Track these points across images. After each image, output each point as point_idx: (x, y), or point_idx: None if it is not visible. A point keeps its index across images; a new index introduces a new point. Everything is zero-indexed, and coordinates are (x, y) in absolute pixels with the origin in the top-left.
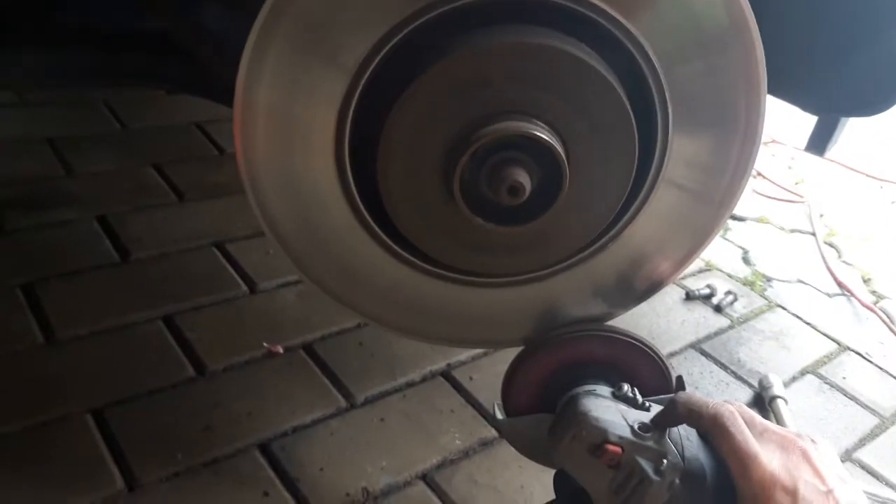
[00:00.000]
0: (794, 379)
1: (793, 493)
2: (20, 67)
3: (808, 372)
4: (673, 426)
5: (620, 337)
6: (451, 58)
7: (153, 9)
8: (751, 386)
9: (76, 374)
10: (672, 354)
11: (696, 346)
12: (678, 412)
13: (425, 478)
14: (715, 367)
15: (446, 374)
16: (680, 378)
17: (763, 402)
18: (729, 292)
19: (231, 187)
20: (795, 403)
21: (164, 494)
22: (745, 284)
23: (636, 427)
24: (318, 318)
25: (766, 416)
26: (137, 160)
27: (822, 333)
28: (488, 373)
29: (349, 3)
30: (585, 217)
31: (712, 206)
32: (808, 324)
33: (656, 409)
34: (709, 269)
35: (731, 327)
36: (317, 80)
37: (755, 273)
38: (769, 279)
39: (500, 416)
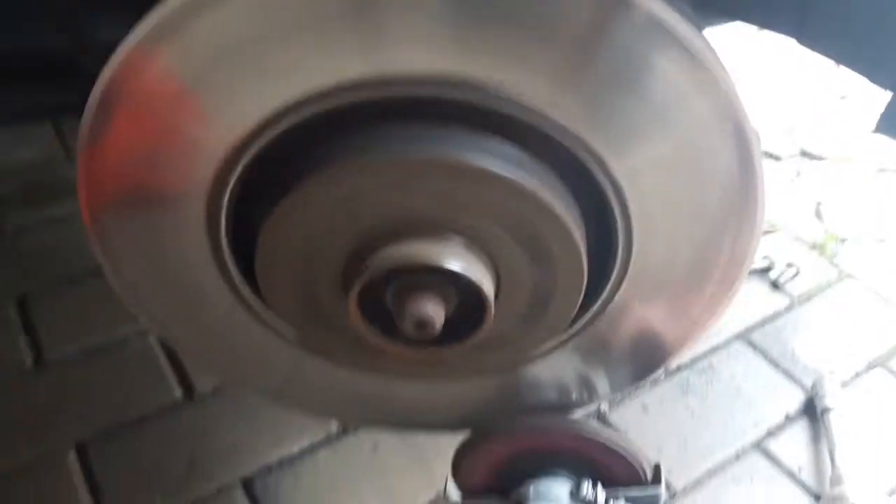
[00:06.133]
0: (857, 375)
1: None
2: None
3: (877, 365)
4: None
5: (584, 434)
6: (349, 162)
7: (54, 27)
8: (804, 387)
9: (63, 401)
10: (715, 349)
11: (745, 337)
12: None
13: None
14: (763, 365)
15: None
16: (657, 470)
17: (815, 411)
18: (790, 265)
19: None
20: (857, 405)
21: None
22: (812, 248)
23: None
24: None
25: (817, 429)
26: None
27: None
28: None
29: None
30: (526, 332)
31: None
32: (883, 299)
33: None
34: (772, 231)
35: (789, 309)
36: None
37: (827, 233)
38: (843, 240)
39: (450, 494)
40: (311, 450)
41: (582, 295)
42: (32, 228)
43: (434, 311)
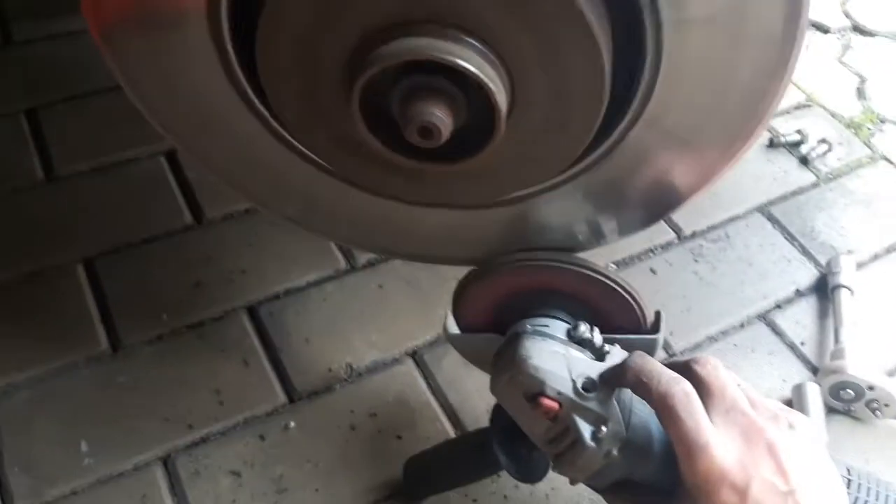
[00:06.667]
0: (875, 257)
1: (742, 492)
2: None
3: (895, 250)
4: (622, 387)
5: (586, 272)
6: None
7: None
8: (818, 264)
9: (73, 217)
10: (733, 219)
11: (765, 210)
12: (627, 379)
13: (415, 356)
14: (780, 239)
15: None
16: (658, 317)
17: (826, 289)
18: (823, 140)
19: None
20: (870, 287)
21: (145, 359)
22: (848, 127)
23: (580, 383)
24: None
25: (826, 307)
26: None
27: None
28: None
29: None
30: (540, 154)
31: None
32: None
33: (618, 355)
34: (808, 105)
35: (814, 186)
36: None
37: (866, 112)
38: (883, 121)
39: (450, 328)
40: (318, 283)
41: (597, 124)
42: (43, 40)
43: (441, 116)
